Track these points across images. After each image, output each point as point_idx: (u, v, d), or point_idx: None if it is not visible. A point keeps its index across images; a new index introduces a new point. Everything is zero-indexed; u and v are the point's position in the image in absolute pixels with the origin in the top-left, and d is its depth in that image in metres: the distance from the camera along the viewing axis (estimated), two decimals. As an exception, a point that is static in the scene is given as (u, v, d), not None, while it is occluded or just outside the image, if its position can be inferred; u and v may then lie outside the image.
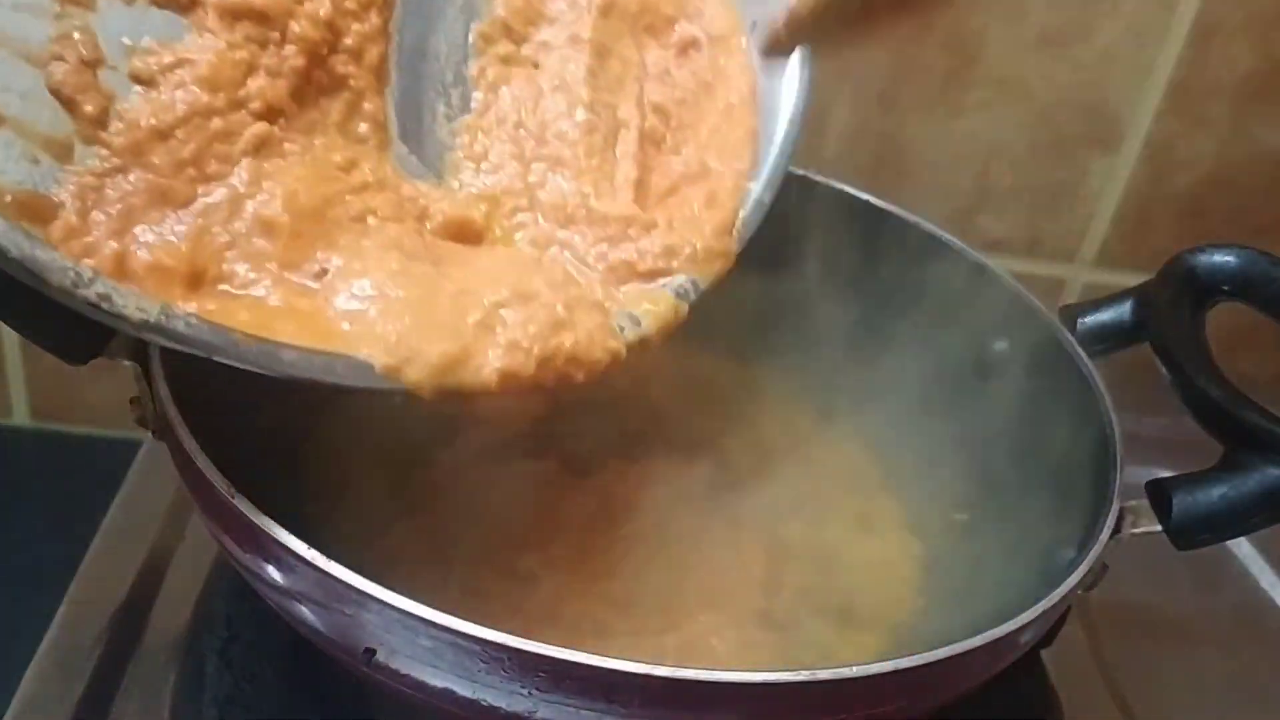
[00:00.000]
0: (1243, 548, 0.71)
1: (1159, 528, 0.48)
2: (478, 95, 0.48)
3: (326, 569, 0.39)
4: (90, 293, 0.35)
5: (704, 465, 0.61)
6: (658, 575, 0.54)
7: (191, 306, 0.37)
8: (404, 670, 0.41)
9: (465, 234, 0.45)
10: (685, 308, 0.46)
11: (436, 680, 0.40)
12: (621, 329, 0.44)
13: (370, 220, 0.42)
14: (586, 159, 0.47)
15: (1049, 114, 0.77)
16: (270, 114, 0.41)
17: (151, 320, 0.36)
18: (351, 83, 0.44)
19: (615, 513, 0.57)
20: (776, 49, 0.50)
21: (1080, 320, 0.57)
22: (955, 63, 0.76)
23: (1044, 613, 0.43)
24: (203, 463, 0.42)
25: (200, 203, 0.39)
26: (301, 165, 0.41)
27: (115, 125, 0.38)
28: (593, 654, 0.37)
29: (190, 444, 0.43)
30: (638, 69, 0.50)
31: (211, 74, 0.40)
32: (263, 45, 0.41)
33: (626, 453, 0.61)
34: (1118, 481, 0.48)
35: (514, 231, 0.46)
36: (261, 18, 0.41)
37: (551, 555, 0.54)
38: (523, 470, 0.59)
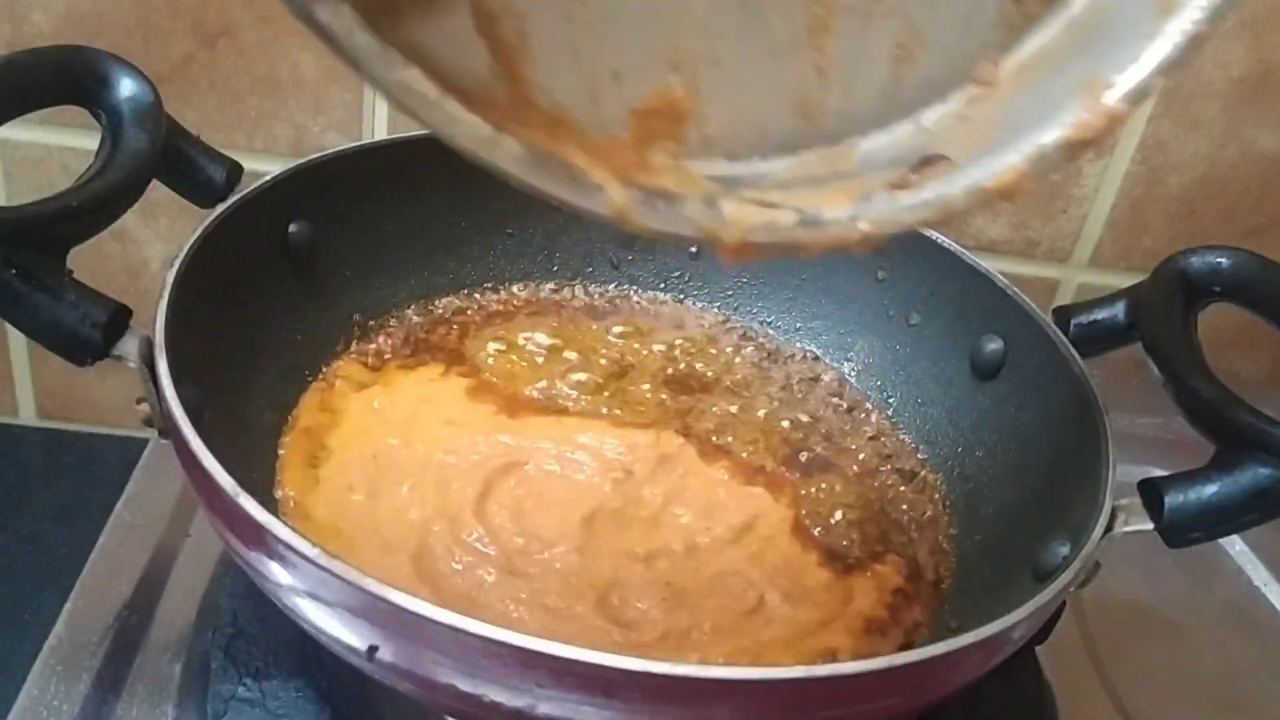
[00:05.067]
0: (1235, 545, 0.71)
1: (1151, 526, 0.48)
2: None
3: (330, 567, 0.39)
4: None
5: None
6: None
7: None
8: (406, 666, 0.41)
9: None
10: None
11: (438, 676, 0.40)
12: None
13: None
14: None
15: (1044, 116, 0.77)
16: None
17: None
18: None
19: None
20: None
21: (1073, 321, 0.57)
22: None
23: (1037, 610, 0.43)
24: (208, 462, 0.43)
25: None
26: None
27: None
28: (592, 651, 0.37)
29: (196, 443, 0.43)
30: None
31: None
32: None
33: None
34: (1110, 480, 0.49)
35: None
36: None
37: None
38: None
